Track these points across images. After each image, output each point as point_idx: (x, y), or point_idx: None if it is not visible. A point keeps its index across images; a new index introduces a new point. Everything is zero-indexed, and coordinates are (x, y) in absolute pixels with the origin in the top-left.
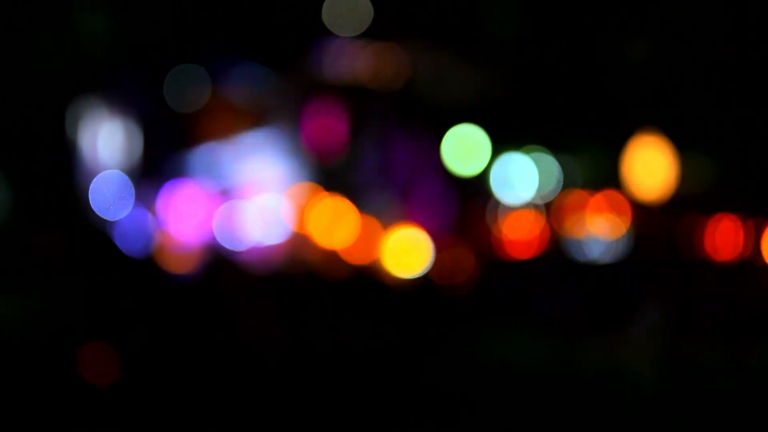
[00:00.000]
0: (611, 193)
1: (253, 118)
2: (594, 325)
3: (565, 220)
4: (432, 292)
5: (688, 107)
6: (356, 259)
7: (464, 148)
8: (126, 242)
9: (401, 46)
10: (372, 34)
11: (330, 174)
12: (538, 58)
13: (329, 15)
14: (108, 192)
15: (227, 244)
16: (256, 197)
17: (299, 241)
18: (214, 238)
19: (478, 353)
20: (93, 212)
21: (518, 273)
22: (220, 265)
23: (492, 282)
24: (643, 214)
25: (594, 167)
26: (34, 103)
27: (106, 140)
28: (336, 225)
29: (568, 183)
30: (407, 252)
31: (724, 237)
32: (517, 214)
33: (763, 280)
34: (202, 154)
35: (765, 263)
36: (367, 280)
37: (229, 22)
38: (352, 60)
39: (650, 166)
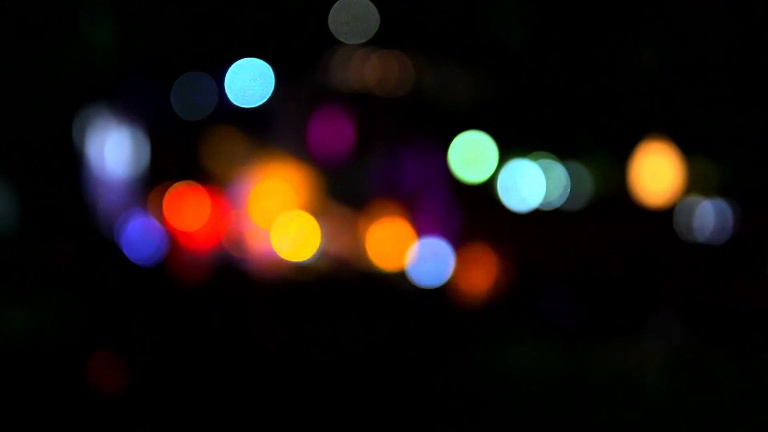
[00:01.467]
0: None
1: (261, 125)
2: (601, 330)
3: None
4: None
5: (697, 113)
6: (363, 265)
7: (471, 154)
8: (134, 251)
9: (408, 52)
10: (379, 41)
11: (336, 181)
12: (545, 64)
13: (335, 22)
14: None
15: (237, 253)
16: (263, 203)
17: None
18: (223, 247)
19: (483, 358)
20: (100, 221)
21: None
22: (230, 274)
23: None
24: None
25: (602, 173)
26: (40, 112)
27: (113, 149)
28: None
29: (576, 189)
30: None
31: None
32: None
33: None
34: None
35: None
36: (376, 285)
37: (235, 29)
38: (358, 67)
39: (658, 172)
